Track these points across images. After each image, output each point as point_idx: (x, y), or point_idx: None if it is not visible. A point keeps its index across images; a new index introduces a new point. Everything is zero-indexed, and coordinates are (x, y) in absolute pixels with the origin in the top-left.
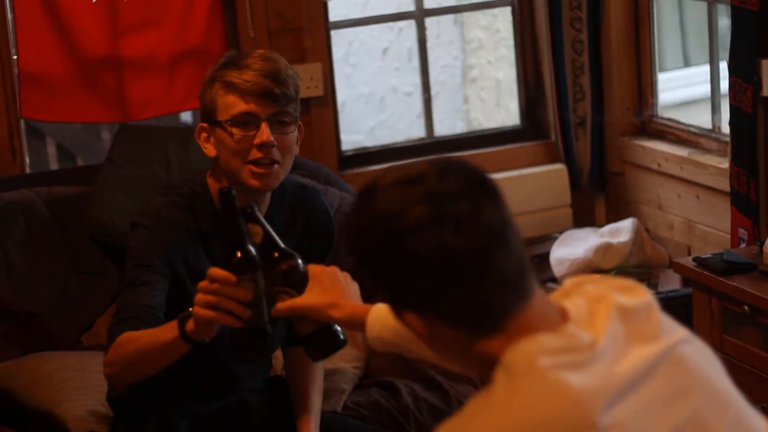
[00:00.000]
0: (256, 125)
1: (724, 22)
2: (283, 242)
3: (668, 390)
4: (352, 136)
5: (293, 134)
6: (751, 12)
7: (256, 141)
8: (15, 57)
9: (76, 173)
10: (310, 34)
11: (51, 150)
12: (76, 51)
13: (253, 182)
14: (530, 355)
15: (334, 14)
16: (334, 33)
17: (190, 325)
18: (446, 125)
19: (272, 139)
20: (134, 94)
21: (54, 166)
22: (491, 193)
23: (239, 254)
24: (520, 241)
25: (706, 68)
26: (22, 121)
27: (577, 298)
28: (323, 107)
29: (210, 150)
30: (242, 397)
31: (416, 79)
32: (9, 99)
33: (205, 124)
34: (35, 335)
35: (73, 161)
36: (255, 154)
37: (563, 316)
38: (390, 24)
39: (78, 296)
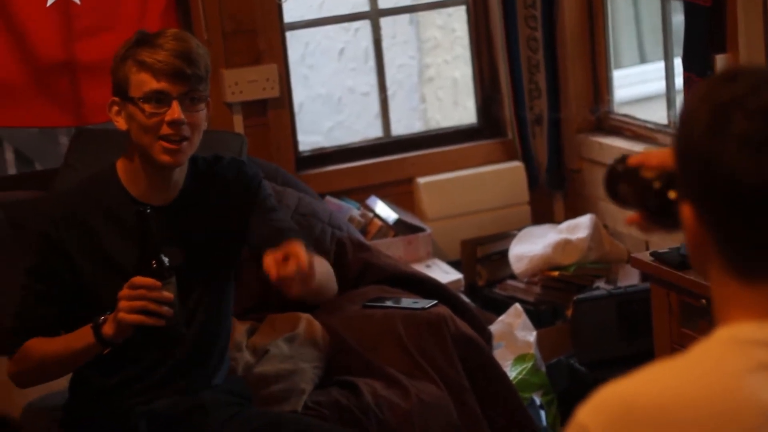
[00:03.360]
0: (167, 103)
1: (678, 18)
2: (207, 217)
3: None
4: (310, 137)
5: (203, 112)
6: (703, 8)
7: (167, 118)
8: None
9: (33, 178)
10: (265, 36)
11: (9, 155)
12: (31, 55)
13: (164, 158)
14: (742, 342)
15: (289, 15)
16: (289, 34)
17: (107, 329)
18: (404, 125)
19: (183, 116)
20: (90, 97)
21: (12, 171)
22: None
23: (159, 263)
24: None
25: (661, 64)
26: None
27: None
28: (280, 109)
29: (121, 123)
30: (201, 395)
31: (373, 79)
32: None
33: (116, 99)
34: None
35: (31, 166)
36: (165, 130)
37: None
38: (345, 25)
39: None
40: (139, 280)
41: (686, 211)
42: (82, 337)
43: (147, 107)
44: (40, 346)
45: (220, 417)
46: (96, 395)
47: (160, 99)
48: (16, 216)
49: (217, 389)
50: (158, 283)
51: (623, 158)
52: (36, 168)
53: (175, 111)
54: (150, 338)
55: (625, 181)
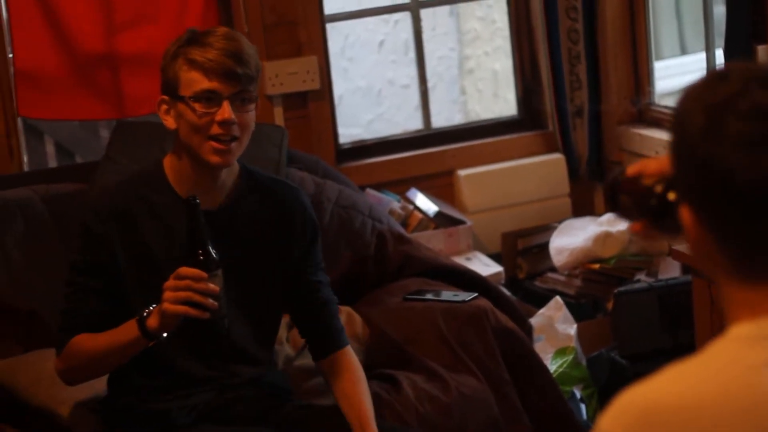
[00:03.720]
0: (218, 102)
1: (720, 10)
2: (253, 232)
3: None
4: (350, 130)
5: (252, 112)
6: None
7: (218, 118)
8: (11, 55)
9: (74, 170)
10: (305, 28)
11: (49, 148)
12: (72, 48)
13: (213, 158)
14: (753, 339)
15: (330, 7)
16: (329, 26)
17: (152, 322)
18: (444, 117)
19: (233, 116)
20: (131, 90)
21: (52, 163)
22: None
23: (206, 254)
24: None
25: (703, 56)
26: (19, 120)
27: None
28: (320, 101)
29: (170, 122)
30: (241, 389)
31: (413, 71)
32: (6, 97)
33: (166, 97)
34: (35, 333)
35: (71, 159)
36: (215, 130)
37: None
38: (386, 16)
39: None
40: (185, 270)
41: (686, 214)
42: (127, 331)
43: (197, 106)
44: (86, 342)
45: (260, 410)
46: (135, 391)
47: (210, 98)
48: (59, 209)
49: (257, 382)
50: (204, 275)
51: (622, 171)
52: (76, 161)
53: (226, 111)
54: (194, 332)
55: (626, 192)
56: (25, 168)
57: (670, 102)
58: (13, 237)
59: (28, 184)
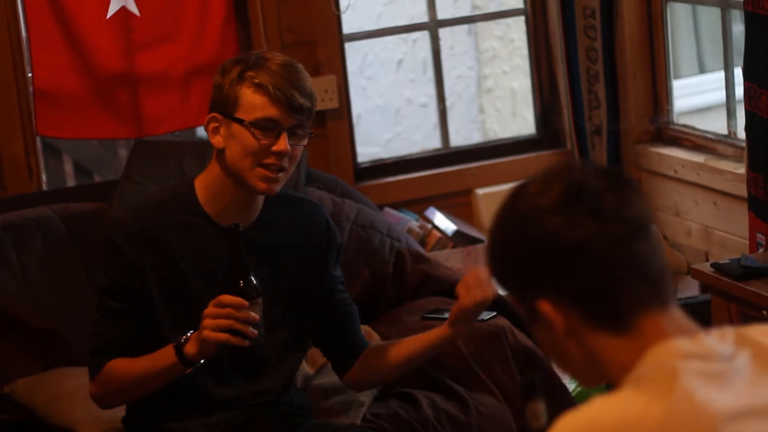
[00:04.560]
0: (276, 132)
1: (738, 28)
2: (280, 250)
3: None
4: (369, 149)
5: (302, 147)
6: (764, 17)
7: (275, 148)
8: (30, 75)
9: (92, 190)
10: (324, 47)
11: (68, 167)
12: (91, 68)
13: (260, 185)
14: (663, 358)
15: (348, 27)
16: (348, 45)
17: (189, 348)
18: (462, 136)
19: (289, 149)
20: (149, 109)
21: (71, 183)
22: (634, 187)
23: (248, 282)
24: (661, 244)
25: (721, 74)
26: (38, 139)
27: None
28: (338, 120)
29: (218, 141)
30: (261, 408)
31: (431, 90)
32: (25, 117)
33: (218, 115)
34: (55, 352)
35: (89, 178)
36: (269, 159)
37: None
38: (404, 35)
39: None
40: (226, 298)
41: (545, 308)
42: (164, 357)
43: (257, 133)
44: (122, 367)
45: (279, 429)
46: (154, 409)
47: (269, 127)
48: (77, 228)
49: (277, 401)
50: (246, 303)
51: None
52: (95, 180)
53: (283, 143)
54: (231, 358)
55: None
56: (44, 187)
57: (689, 121)
58: (32, 256)
59: (46, 203)
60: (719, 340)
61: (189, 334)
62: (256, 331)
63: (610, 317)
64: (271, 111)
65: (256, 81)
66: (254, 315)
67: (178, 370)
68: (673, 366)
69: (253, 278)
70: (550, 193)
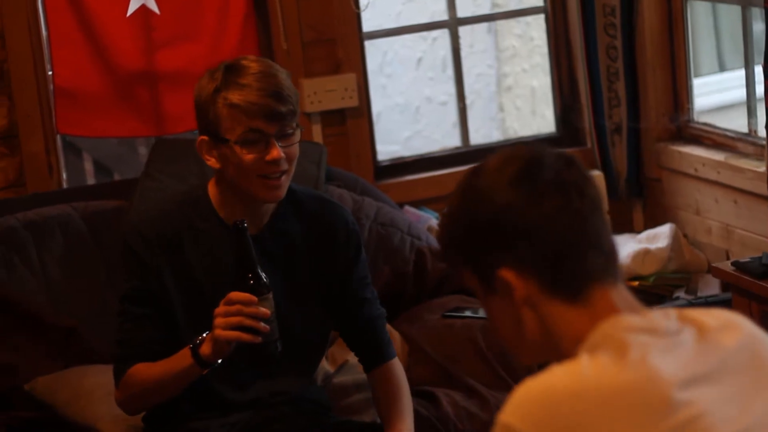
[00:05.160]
0: (264, 142)
1: (759, 26)
2: (297, 251)
3: (749, 385)
4: (388, 147)
5: (297, 144)
6: None
7: (268, 158)
8: (50, 73)
9: (113, 188)
10: (344, 45)
11: (88, 165)
12: (112, 66)
13: (265, 194)
14: (614, 331)
15: (368, 25)
16: (368, 43)
17: (204, 349)
18: (482, 134)
19: (282, 155)
20: (170, 107)
21: (91, 181)
22: (584, 167)
23: (256, 278)
24: (609, 225)
25: (742, 72)
26: (58, 137)
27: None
28: (358, 118)
29: (213, 162)
30: (280, 405)
31: (451, 88)
32: (45, 115)
33: (206, 138)
34: (75, 350)
35: (109, 176)
36: (265, 169)
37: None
38: (424, 34)
39: (116, 310)
40: (235, 295)
41: (508, 275)
42: (181, 360)
43: (244, 151)
44: (143, 372)
45: (299, 427)
46: (173, 409)
47: (255, 140)
48: (98, 226)
49: (297, 399)
50: (254, 298)
51: None
52: (115, 178)
53: (275, 151)
54: (247, 357)
55: None
56: (64, 185)
57: (709, 119)
58: (53, 254)
59: (67, 201)
60: (664, 317)
61: (204, 335)
62: (267, 327)
63: (566, 286)
64: (250, 125)
65: (229, 101)
66: (264, 310)
67: (195, 372)
68: (624, 338)
69: (261, 274)
70: (509, 169)
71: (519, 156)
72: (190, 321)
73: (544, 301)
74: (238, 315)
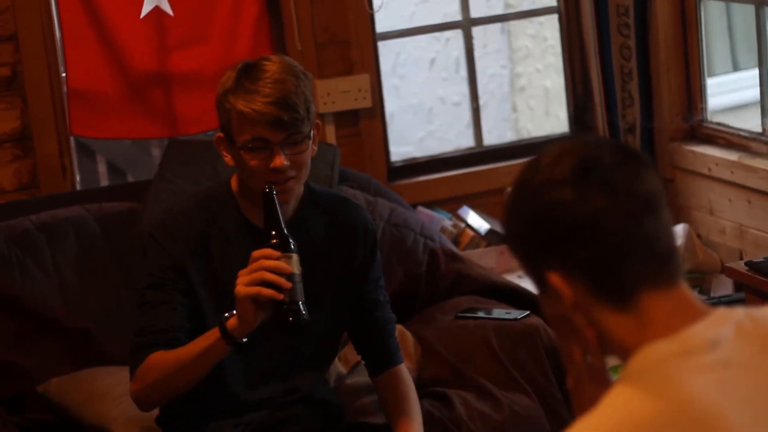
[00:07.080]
0: (269, 149)
1: None
2: (316, 250)
3: None
4: (401, 148)
5: (307, 150)
6: None
7: (271, 165)
8: (64, 75)
9: (126, 189)
10: (357, 46)
11: (101, 167)
12: (125, 68)
13: None
14: (655, 359)
15: (381, 26)
16: (381, 44)
17: (231, 322)
18: (495, 134)
19: (285, 163)
20: (183, 109)
21: (104, 182)
22: (647, 163)
23: (280, 236)
24: (671, 224)
25: (755, 72)
26: (71, 139)
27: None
28: (372, 119)
29: (229, 160)
30: (293, 407)
31: (464, 88)
32: (59, 117)
33: (222, 136)
34: (89, 351)
35: (123, 177)
36: (269, 175)
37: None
38: (437, 34)
39: (130, 312)
40: (257, 252)
41: (555, 279)
42: (206, 339)
43: (249, 156)
44: (162, 357)
45: (313, 428)
46: (187, 409)
47: (260, 147)
48: (111, 227)
49: (309, 400)
50: (275, 252)
51: None
52: (128, 180)
53: (278, 159)
54: (275, 326)
55: None
56: (78, 187)
57: (723, 119)
58: (66, 256)
59: (80, 202)
60: (718, 323)
61: (234, 312)
62: (289, 283)
63: (614, 292)
64: (256, 132)
65: (237, 108)
66: (284, 265)
67: (219, 350)
68: (655, 368)
69: (286, 233)
70: (562, 165)
71: (574, 151)
72: (217, 313)
73: (592, 306)
74: (259, 270)
